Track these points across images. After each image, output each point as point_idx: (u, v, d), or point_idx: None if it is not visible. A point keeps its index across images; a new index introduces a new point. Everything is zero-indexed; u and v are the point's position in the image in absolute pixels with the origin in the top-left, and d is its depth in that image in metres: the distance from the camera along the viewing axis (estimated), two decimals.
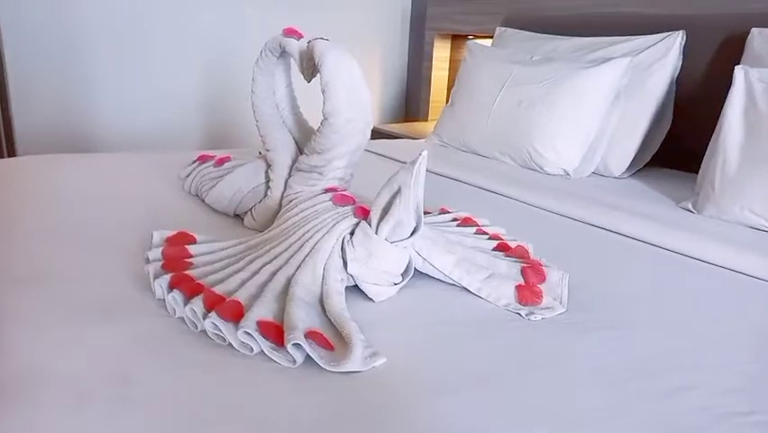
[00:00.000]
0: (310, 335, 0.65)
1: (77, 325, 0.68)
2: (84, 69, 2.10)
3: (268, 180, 1.03)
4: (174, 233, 0.89)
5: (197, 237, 0.89)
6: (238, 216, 1.11)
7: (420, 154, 0.74)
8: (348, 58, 0.87)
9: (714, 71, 1.61)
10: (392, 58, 2.73)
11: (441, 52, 2.52)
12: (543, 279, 0.86)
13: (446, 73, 2.56)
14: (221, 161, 1.14)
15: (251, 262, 0.80)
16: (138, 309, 0.73)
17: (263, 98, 1.04)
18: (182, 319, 0.71)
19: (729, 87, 1.43)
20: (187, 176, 1.23)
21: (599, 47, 1.72)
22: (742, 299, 0.90)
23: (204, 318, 0.67)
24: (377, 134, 2.23)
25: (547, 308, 0.80)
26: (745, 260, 0.99)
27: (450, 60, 2.55)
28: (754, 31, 1.45)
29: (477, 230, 1.03)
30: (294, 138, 1.04)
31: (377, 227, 0.79)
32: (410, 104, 2.78)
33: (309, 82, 0.96)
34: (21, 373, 0.58)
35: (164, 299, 0.74)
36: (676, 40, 1.60)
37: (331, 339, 0.67)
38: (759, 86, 1.28)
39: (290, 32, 0.95)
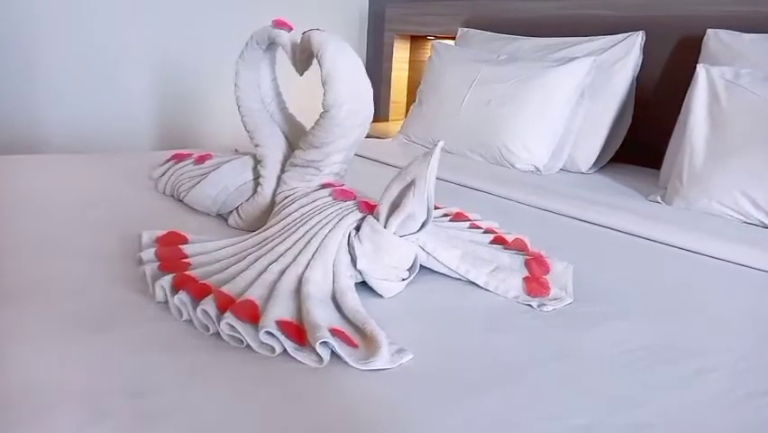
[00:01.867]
0: (335, 333, 0.62)
1: (78, 336, 0.62)
2: (27, 64, 1.96)
3: (256, 177, 0.99)
4: (164, 232, 0.84)
5: (189, 237, 0.84)
6: (220, 216, 1.06)
7: (435, 145, 0.73)
8: (348, 48, 0.85)
9: (671, 71, 1.68)
10: None
11: (401, 53, 2.52)
12: (547, 270, 0.86)
13: (406, 73, 2.56)
14: (201, 159, 1.09)
15: (256, 260, 0.76)
16: (137, 315, 0.68)
17: (248, 93, 1.00)
18: (189, 322, 0.66)
19: (687, 85, 1.50)
20: (162, 176, 1.16)
21: (563, 47, 1.77)
22: (732, 285, 0.94)
23: (218, 320, 0.63)
24: None
25: (556, 298, 0.80)
26: (728, 248, 1.04)
27: (410, 61, 2.56)
28: (710, 32, 1.53)
29: (470, 225, 1.03)
30: (283, 133, 1.00)
31: (386, 221, 0.77)
32: None
33: (302, 75, 0.93)
34: (30, 391, 0.53)
35: (166, 302, 0.69)
36: (636, 40, 1.66)
37: (352, 336, 0.65)
38: (721, 82, 1.35)
39: (280, 24, 0.92)
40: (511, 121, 1.66)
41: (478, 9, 2.18)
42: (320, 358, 0.60)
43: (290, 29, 0.92)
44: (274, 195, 0.95)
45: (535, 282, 0.82)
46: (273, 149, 0.97)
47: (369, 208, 0.82)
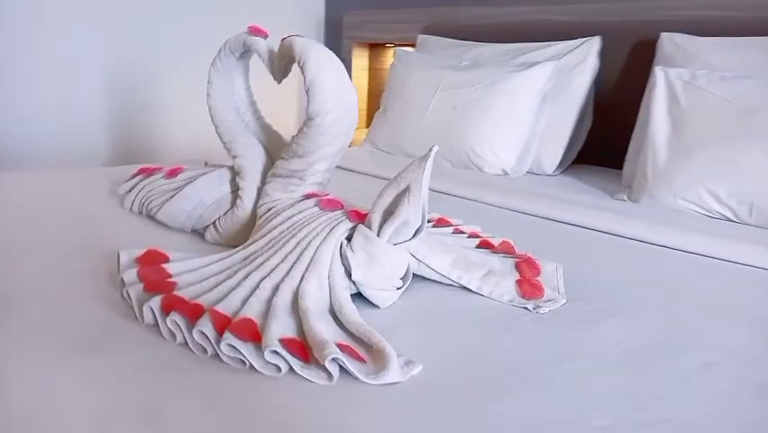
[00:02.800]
0: (342, 348, 0.60)
1: (71, 359, 0.58)
2: None
3: (234, 190, 0.95)
4: (143, 251, 0.80)
5: (170, 255, 0.80)
6: (195, 232, 1.02)
7: (430, 150, 0.72)
8: (332, 55, 0.83)
9: (628, 73, 1.74)
10: None
11: (359, 60, 2.51)
12: (538, 272, 0.87)
13: (365, 81, 2.56)
14: (173, 173, 1.04)
15: (246, 276, 0.72)
16: (126, 339, 0.64)
17: (222, 102, 0.96)
18: (183, 345, 0.63)
19: (643, 87, 1.56)
20: (129, 191, 1.11)
21: (523, 52, 1.80)
22: (713, 278, 0.96)
23: (216, 341, 0.60)
24: None
25: (550, 300, 0.80)
26: (700, 242, 1.07)
27: (369, 69, 2.55)
28: (664, 35, 1.58)
29: (454, 230, 1.02)
30: (261, 143, 0.97)
31: (379, 229, 0.76)
32: None
33: (280, 82, 0.91)
34: (33, 415, 0.49)
35: (155, 325, 0.65)
36: (593, 45, 1.71)
37: (357, 350, 0.63)
38: (679, 83, 1.40)
39: (256, 31, 0.89)
40: (477, 126, 1.68)
41: (437, 16, 2.20)
42: (329, 375, 0.58)
43: (266, 35, 0.90)
44: (255, 207, 0.91)
45: (528, 285, 0.82)
46: (252, 159, 0.93)
47: (359, 217, 0.80)
